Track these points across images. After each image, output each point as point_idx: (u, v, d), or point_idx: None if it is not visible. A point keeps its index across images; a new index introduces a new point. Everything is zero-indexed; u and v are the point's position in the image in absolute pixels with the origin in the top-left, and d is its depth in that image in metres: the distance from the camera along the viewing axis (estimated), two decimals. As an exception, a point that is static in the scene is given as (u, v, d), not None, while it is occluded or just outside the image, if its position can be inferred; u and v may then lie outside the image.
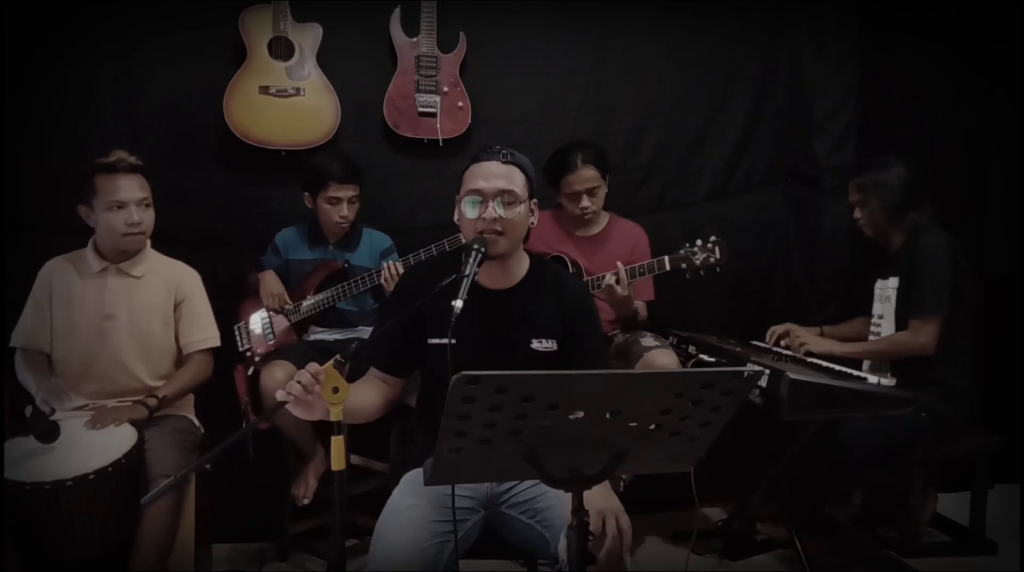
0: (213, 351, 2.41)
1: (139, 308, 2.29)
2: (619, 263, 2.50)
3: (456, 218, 1.82)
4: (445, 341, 1.72)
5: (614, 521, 1.53)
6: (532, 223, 1.81)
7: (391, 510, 1.70)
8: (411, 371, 1.87)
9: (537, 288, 1.82)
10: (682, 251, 2.49)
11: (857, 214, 2.70)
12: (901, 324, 2.56)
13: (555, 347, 1.80)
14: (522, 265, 1.83)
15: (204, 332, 2.37)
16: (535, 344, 1.79)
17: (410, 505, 1.68)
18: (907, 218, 2.60)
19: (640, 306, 2.76)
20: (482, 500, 1.77)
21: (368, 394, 1.76)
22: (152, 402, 2.19)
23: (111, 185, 2.18)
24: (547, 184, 2.80)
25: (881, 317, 2.67)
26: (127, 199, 2.19)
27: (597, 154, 2.73)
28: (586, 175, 2.69)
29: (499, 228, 1.70)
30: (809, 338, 2.64)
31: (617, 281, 2.47)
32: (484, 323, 1.69)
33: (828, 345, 2.62)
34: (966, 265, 2.55)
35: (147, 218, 2.25)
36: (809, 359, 2.52)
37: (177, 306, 2.34)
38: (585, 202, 2.71)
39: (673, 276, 2.52)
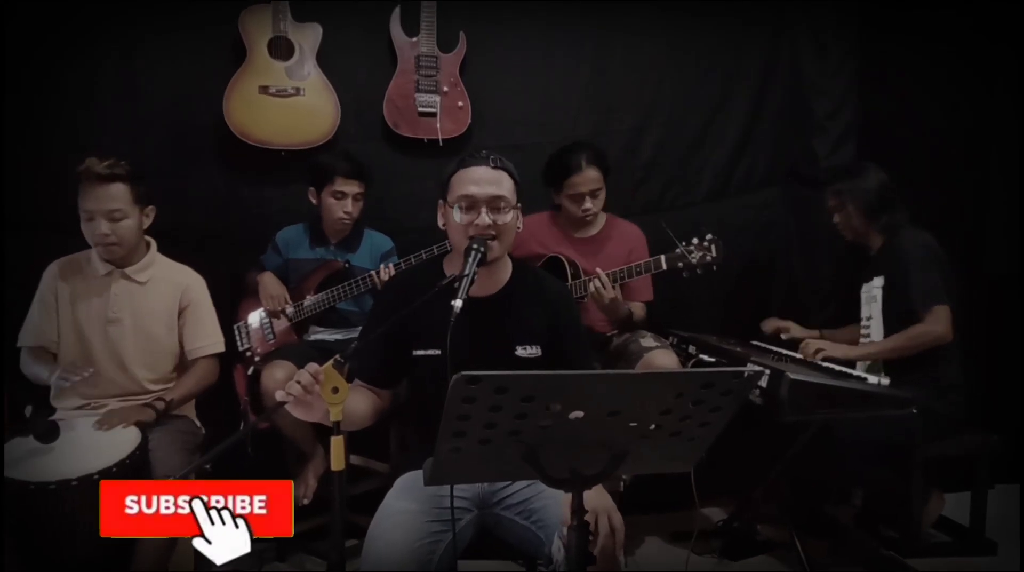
0: (218, 355, 2.40)
1: (143, 313, 2.29)
2: (598, 269, 2.50)
3: (441, 223, 1.81)
4: (432, 352, 1.73)
5: (607, 520, 1.53)
6: (518, 228, 1.81)
7: (384, 512, 1.70)
8: (398, 382, 1.86)
9: (521, 294, 1.82)
10: (678, 250, 2.47)
11: (835, 219, 2.76)
12: (890, 322, 2.58)
13: (539, 353, 1.80)
14: (506, 271, 1.83)
15: (210, 338, 2.37)
16: (520, 351, 1.79)
17: (403, 507, 1.68)
18: (883, 220, 2.65)
19: (637, 307, 2.75)
20: (476, 500, 1.77)
21: (357, 403, 1.74)
22: (160, 406, 2.20)
23: (82, 194, 2.16)
24: (546, 185, 2.80)
25: (870, 318, 2.69)
26: (93, 210, 2.16)
27: (599, 155, 2.73)
28: (591, 176, 2.69)
29: (492, 233, 1.70)
30: (824, 344, 2.60)
31: (602, 285, 2.47)
32: (469, 330, 1.66)
33: (842, 350, 2.60)
34: (947, 260, 2.58)
35: (120, 229, 2.19)
36: (809, 359, 2.52)
37: (182, 311, 2.33)
38: (588, 203, 2.71)
39: (671, 275, 2.51)
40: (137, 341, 2.28)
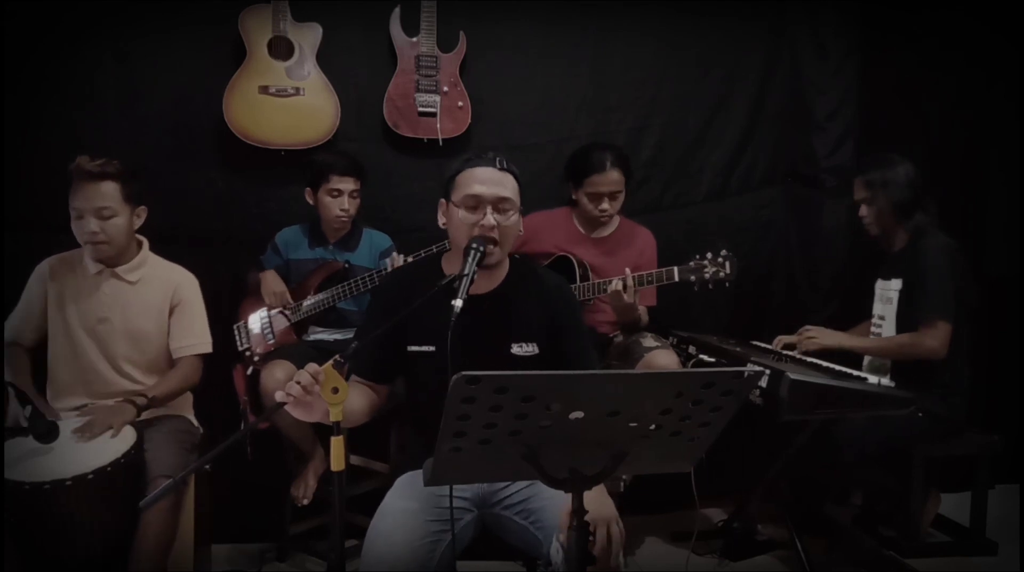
0: (208, 354, 2.39)
1: (133, 312, 2.28)
2: (627, 270, 2.48)
3: (442, 222, 1.80)
4: (426, 348, 1.73)
5: (605, 530, 1.52)
6: (519, 233, 1.80)
7: (384, 511, 1.70)
8: (395, 378, 1.86)
9: (517, 291, 1.81)
10: (692, 263, 2.44)
11: (863, 212, 2.68)
12: (902, 326, 2.56)
13: (536, 350, 1.78)
14: (502, 268, 1.82)
15: (196, 337, 2.35)
16: (515, 349, 1.77)
17: (403, 506, 1.68)
18: (913, 218, 2.60)
19: (642, 311, 2.74)
20: (476, 500, 1.77)
21: (354, 399, 1.73)
22: (141, 401, 2.17)
23: (73, 192, 2.16)
24: (566, 180, 2.80)
25: (882, 318, 2.67)
26: (82, 208, 2.15)
27: (624, 158, 2.73)
28: (612, 178, 2.68)
29: (495, 236, 1.69)
30: (819, 331, 2.63)
31: (624, 287, 2.45)
32: (464, 328, 1.63)
33: (837, 338, 2.61)
34: (966, 268, 2.55)
35: (110, 228, 2.18)
36: (809, 359, 2.52)
37: (172, 310, 2.32)
38: (605, 204, 2.70)
39: (679, 284, 2.49)
40: (128, 341, 2.27)
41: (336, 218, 2.69)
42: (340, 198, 2.66)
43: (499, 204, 1.70)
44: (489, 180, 1.71)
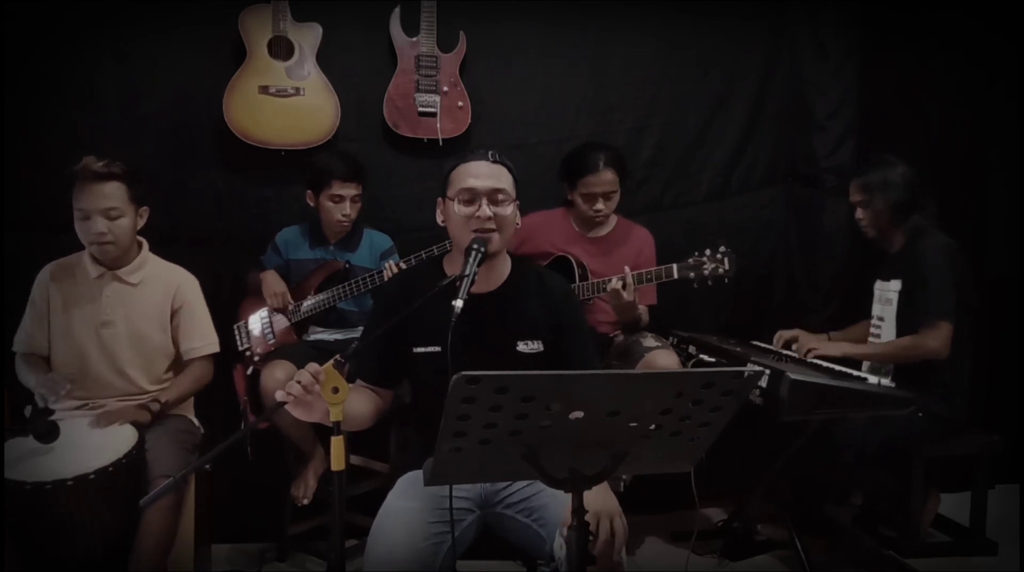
0: (213, 355, 2.40)
1: (136, 314, 2.28)
2: (626, 268, 2.48)
3: (441, 220, 1.82)
4: (432, 349, 1.74)
5: (608, 524, 1.52)
6: (517, 225, 1.81)
7: (386, 512, 1.70)
8: (399, 382, 1.86)
9: (520, 289, 1.82)
10: (691, 260, 2.44)
11: (860, 214, 2.68)
12: (902, 327, 2.55)
13: (541, 348, 1.79)
14: (505, 267, 1.83)
15: (204, 338, 2.36)
16: (521, 346, 1.78)
17: (405, 506, 1.68)
18: (910, 219, 2.59)
19: (643, 311, 2.73)
20: (477, 500, 1.77)
21: (358, 403, 1.74)
22: (155, 407, 2.19)
23: (77, 193, 2.15)
24: (561, 180, 2.80)
25: (881, 319, 2.66)
26: (89, 208, 2.15)
27: (618, 158, 2.73)
28: (606, 178, 2.68)
29: (492, 226, 1.71)
30: (818, 343, 2.61)
31: (623, 286, 2.45)
32: (469, 327, 1.63)
33: (839, 347, 2.59)
34: (966, 267, 2.55)
35: (116, 229, 2.18)
36: (809, 359, 2.51)
37: (175, 312, 2.32)
38: (600, 205, 2.71)
39: (678, 283, 2.49)
40: (130, 343, 2.27)
41: (337, 222, 2.69)
42: (342, 204, 2.66)
43: (494, 195, 1.72)
44: (483, 173, 1.73)
